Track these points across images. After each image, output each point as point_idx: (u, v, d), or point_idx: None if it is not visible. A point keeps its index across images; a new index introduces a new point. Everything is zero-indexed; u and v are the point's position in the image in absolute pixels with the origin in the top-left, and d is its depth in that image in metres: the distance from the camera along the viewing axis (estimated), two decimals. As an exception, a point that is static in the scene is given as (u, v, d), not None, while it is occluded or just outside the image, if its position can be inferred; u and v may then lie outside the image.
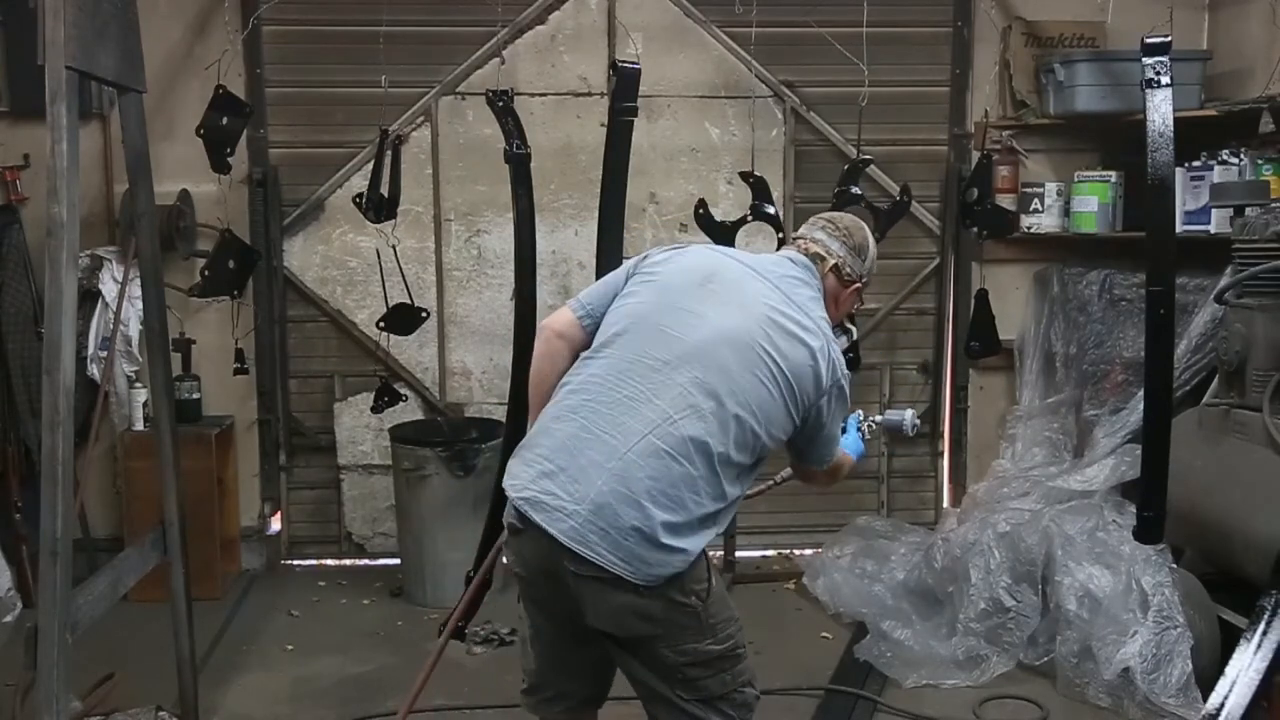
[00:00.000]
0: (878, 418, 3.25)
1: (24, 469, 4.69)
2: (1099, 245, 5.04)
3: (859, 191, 4.36)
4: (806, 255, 2.67)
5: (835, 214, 2.82)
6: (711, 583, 2.44)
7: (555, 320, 2.66)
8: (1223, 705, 3.27)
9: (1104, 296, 4.92)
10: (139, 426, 4.83)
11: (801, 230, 2.77)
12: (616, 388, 2.42)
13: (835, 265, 2.66)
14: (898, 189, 4.84)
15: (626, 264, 2.69)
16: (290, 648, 4.41)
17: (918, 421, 3.27)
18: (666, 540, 2.32)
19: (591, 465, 2.35)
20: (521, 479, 2.43)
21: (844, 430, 2.88)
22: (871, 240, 2.76)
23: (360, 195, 4.45)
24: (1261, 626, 3.36)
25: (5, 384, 4.69)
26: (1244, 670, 3.30)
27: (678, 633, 2.38)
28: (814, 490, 5.24)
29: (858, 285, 2.71)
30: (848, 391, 2.61)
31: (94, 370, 4.78)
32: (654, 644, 2.39)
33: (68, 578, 2.73)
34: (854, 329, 2.86)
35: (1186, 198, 4.48)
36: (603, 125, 4.08)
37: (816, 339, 2.50)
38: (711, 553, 2.55)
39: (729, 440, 2.38)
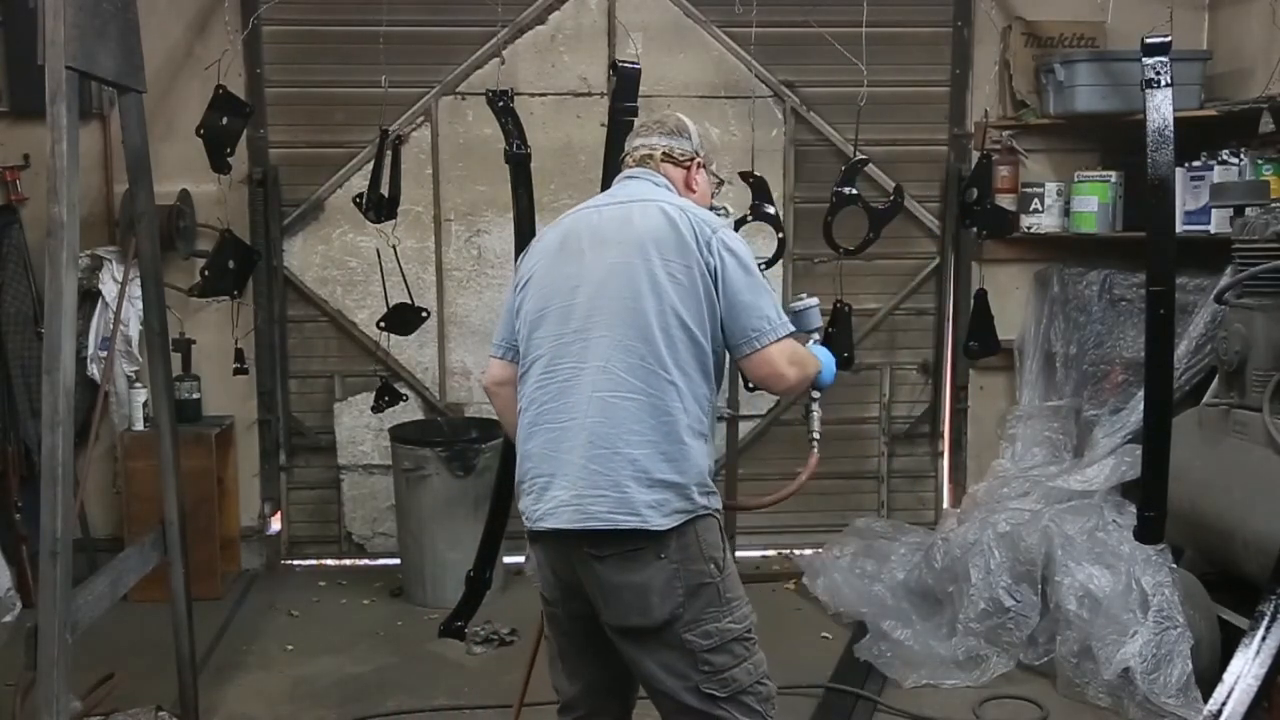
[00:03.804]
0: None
1: (24, 469, 4.69)
2: (1099, 245, 5.04)
3: (855, 191, 4.36)
4: (636, 164, 2.70)
5: (646, 118, 2.88)
6: (726, 552, 2.48)
7: (488, 375, 2.75)
8: (1222, 708, 3.27)
9: (1104, 296, 4.92)
10: (139, 426, 4.83)
11: (625, 150, 2.79)
12: (551, 381, 2.48)
13: (664, 153, 2.69)
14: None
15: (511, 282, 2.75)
16: (290, 648, 4.41)
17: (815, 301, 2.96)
18: (663, 474, 2.36)
19: (567, 451, 2.42)
20: (529, 507, 2.51)
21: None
22: (689, 121, 2.78)
23: (360, 195, 4.44)
24: (1261, 630, 3.35)
25: (5, 384, 4.69)
26: (1244, 674, 3.29)
27: (698, 609, 2.39)
28: (815, 490, 5.34)
29: (697, 160, 2.72)
30: (746, 257, 2.49)
31: (94, 370, 4.79)
32: (676, 630, 2.39)
33: (68, 578, 2.74)
34: (727, 208, 2.85)
35: (1186, 198, 4.48)
36: (603, 125, 4.08)
37: (667, 206, 2.50)
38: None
39: (662, 351, 2.40)
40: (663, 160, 2.69)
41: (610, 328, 2.42)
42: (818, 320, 2.97)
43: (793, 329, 2.49)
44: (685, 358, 2.41)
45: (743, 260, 2.47)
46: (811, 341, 2.89)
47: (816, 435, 2.94)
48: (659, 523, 2.35)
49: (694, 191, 2.71)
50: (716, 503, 2.47)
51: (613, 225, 2.52)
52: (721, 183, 2.84)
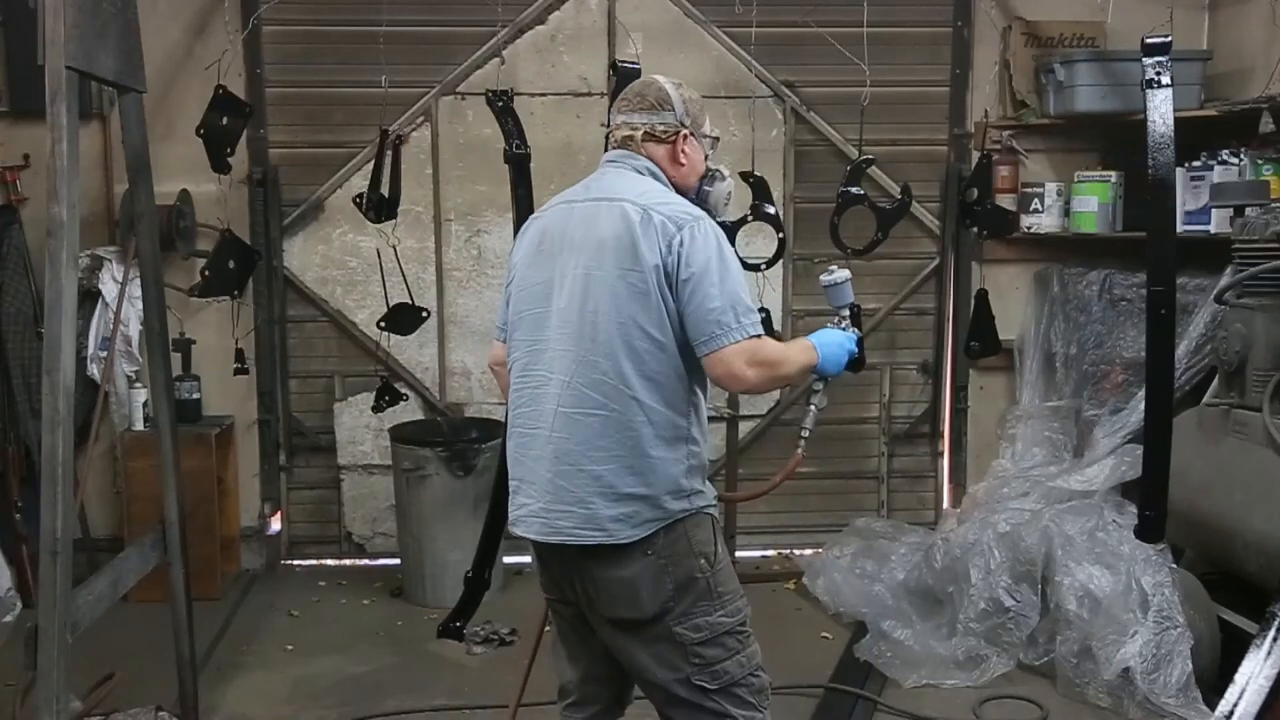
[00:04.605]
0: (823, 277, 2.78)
1: (24, 469, 4.69)
2: (1099, 245, 5.04)
3: (861, 191, 4.36)
4: (619, 146, 2.60)
5: (627, 89, 2.67)
6: (718, 548, 2.46)
7: (491, 355, 2.76)
8: (1233, 711, 3.27)
9: (1104, 296, 4.92)
10: (139, 426, 4.83)
11: (609, 125, 2.68)
12: (525, 385, 2.50)
13: (646, 132, 2.56)
14: (898, 189, 4.84)
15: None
16: (290, 648, 4.41)
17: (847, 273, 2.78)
18: (630, 488, 2.35)
19: (535, 460, 2.44)
20: (509, 506, 2.54)
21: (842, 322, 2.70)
22: (673, 87, 2.59)
23: (360, 195, 4.45)
24: (1272, 633, 3.36)
25: (5, 384, 4.69)
26: (1254, 676, 3.31)
27: (689, 603, 2.40)
28: (815, 490, 5.36)
29: (683, 132, 2.57)
30: (711, 254, 2.35)
31: (94, 370, 4.79)
32: (666, 623, 2.40)
33: (68, 578, 2.74)
34: (722, 170, 2.68)
35: (1186, 198, 4.48)
36: (603, 125, 4.07)
37: (630, 207, 2.40)
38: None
39: (624, 366, 2.36)
40: (644, 140, 2.57)
41: (576, 342, 2.40)
42: (848, 296, 2.74)
43: (759, 332, 2.37)
44: (652, 367, 2.37)
45: (706, 258, 2.35)
46: (833, 323, 2.70)
47: (805, 432, 2.73)
48: (626, 535, 2.35)
49: (683, 164, 2.58)
50: (702, 501, 2.44)
51: (580, 228, 2.47)
52: (717, 140, 2.69)
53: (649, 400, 2.36)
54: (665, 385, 2.38)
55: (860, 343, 2.71)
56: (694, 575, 2.40)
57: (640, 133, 2.57)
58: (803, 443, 2.75)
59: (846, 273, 2.76)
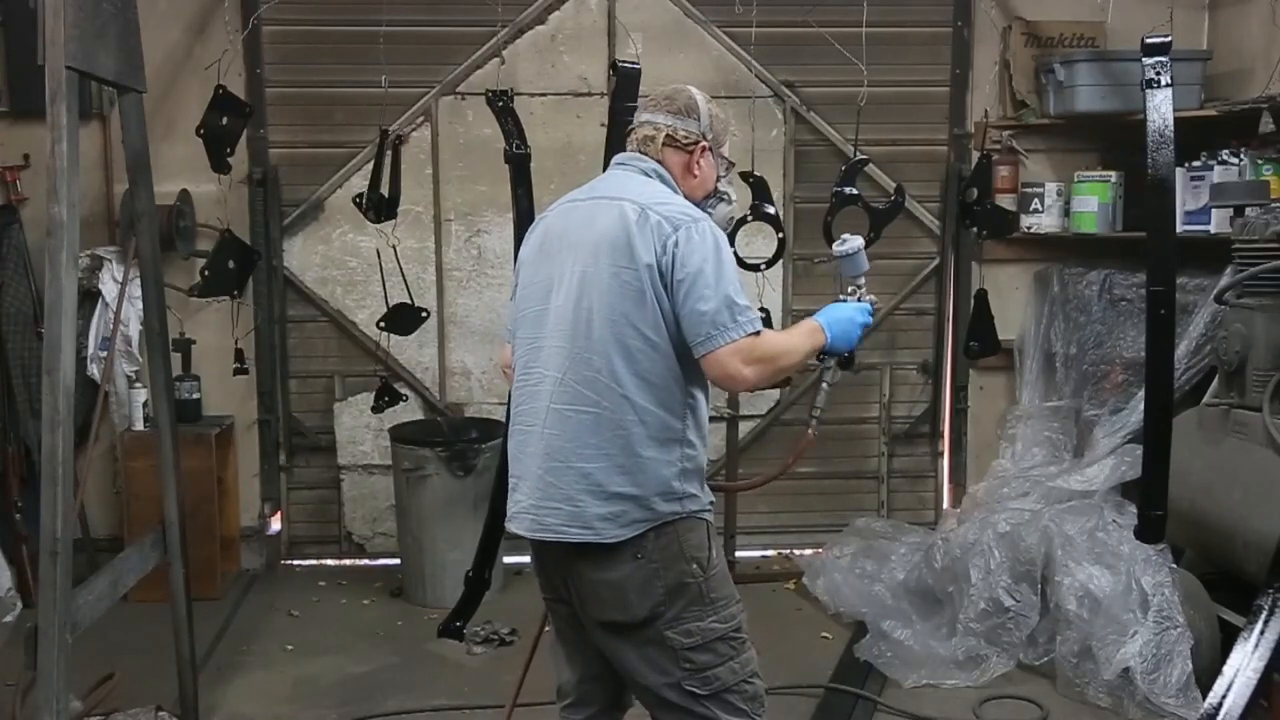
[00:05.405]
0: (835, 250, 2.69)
1: (24, 469, 4.69)
2: (1099, 245, 5.04)
3: (855, 191, 4.36)
4: (637, 146, 2.59)
5: (658, 90, 2.66)
6: (712, 553, 2.45)
7: (501, 357, 2.77)
8: (1221, 703, 3.27)
9: (1104, 296, 4.92)
10: (139, 426, 4.83)
11: (632, 123, 2.67)
12: (525, 384, 2.51)
13: (667, 135, 2.55)
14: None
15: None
16: (290, 648, 4.41)
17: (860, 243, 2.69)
18: (619, 487, 2.35)
19: (529, 457, 2.46)
20: (508, 506, 2.55)
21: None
22: (702, 99, 2.60)
23: (360, 195, 4.45)
24: (1259, 625, 3.36)
25: (5, 384, 4.69)
26: (1242, 668, 3.30)
27: (680, 608, 2.39)
28: (815, 490, 5.36)
29: (702, 144, 2.57)
30: (706, 255, 2.33)
31: (94, 370, 4.79)
32: (658, 627, 2.39)
33: (68, 578, 2.74)
34: (730, 194, 2.68)
35: (1186, 198, 4.48)
36: (603, 125, 4.08)
37: (628, 207, 2.40)
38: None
39: (617, 365, 2.35)
40: (665, 145, 2.56)
41: (570, 339, 2.40)
42: (863, 265, 2.66)
43: (756, 329, 2.34)
44: (645, 367, 2.36)
45: (701, 259, 2.33)
46: (845, 296, 2.63)
47: (817, 411, 2.71)
48: (613, 534, 2.35)
49: (695, 177, 2.58)
50: (695, 505, 2.43)
51: (579, 227, 2.47)
52: (731, 165, 2.70)
53: (641, 400, 2.36)
54: (659, 386, 2.37)
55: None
56: (685, 580, 2.39)
57: (663, 135, 2.57)
58: (814, 423, 2.73)
59: (859, 241, 2.68)
